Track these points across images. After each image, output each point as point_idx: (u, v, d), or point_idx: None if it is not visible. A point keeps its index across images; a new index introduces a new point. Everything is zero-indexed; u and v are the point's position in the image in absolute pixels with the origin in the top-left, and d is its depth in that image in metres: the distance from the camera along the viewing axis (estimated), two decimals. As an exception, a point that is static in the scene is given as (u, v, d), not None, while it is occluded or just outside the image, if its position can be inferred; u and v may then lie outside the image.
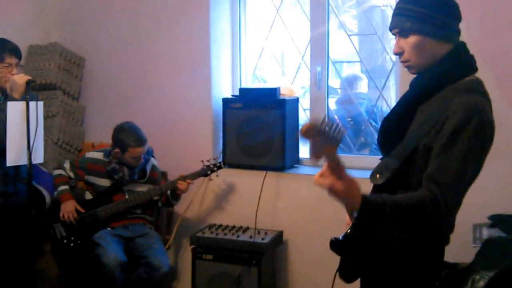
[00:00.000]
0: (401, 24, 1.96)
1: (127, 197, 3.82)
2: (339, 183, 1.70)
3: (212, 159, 3.88)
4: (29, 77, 3.24)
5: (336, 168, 1.69)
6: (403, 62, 2.01)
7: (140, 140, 3.74)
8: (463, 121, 1.81)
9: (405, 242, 1.94)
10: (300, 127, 1.60)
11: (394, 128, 2.03)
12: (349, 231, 1.98)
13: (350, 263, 2.07)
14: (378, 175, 1.95)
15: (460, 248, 2.10)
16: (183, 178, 3.77)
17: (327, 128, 1.56)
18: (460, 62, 1.96)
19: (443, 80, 1.95)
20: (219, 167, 3.85)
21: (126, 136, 3.73)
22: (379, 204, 1.77)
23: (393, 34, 2.04)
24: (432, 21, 1.91)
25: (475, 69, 2.00)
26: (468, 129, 1.80)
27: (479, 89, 1.93)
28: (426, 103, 1.97)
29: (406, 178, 1.93)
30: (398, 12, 1.98)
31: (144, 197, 3.81)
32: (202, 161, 3.86)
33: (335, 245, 1.97)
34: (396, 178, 1.92)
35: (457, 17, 1.98)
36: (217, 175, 3.88)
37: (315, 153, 1.64)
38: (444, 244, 2.01)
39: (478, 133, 1.82)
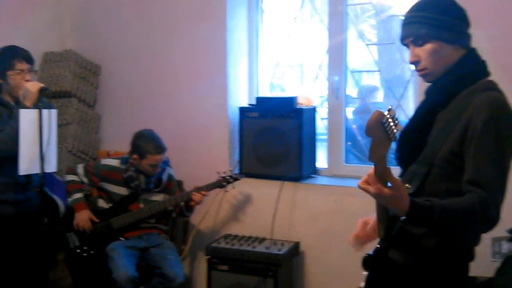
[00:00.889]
0: (415, 31, 1.95)
1: (142, 206, 3.79)
2: (386, 189, 1.68)
3: (228, 170, 3.83)
4: (42, 85, 3.19)
5: (384, 171, 1.67)
6: (419, 70, 2.00)
7: (160, 148, 3.71)
8: (490, 118, 1.80)
9: (432, 256, 1.92)
10: (367, 121, 1.58)
11: (414, 138, 2.01)
12: (378, 246, 1.95)
13: (377, 279, 2.03)
14: (407, 184, 1.92)
15: (478, 261, 2.07)
16: (198, 189, 3.73)
17: (390, 120, 1.55)
18: (475, 66, 1.97)
19: (459, 84, 1.94)
20: (235, 179, 3.80)
21: (146, 143, 3.70)
22: (427, 208, 1.74)
23: (404, 44, 2.02)
24: (446, 26, 1.92)
25: (488, 73, 2.00)
26: (496, 125, 1.80)
27: (495, 87, 1.94)
28: (444, 110, 1.96)
29: (434, 186, 1.90)
30: (410, 21, 1.97)
31: (158, 208, 3.77)
32: (218, 172, 3.81)
33: (367, 261, 1.94)
34: (424, 187, 1.90)
35: (468, 22, 2.00)
36: (233, 187, 3.83)
37: (375, 153, 1.61)
38: (470, 260, 1.98)
39: (507, 126, 1.82)
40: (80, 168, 3.86)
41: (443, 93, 1.97)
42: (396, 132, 1.57)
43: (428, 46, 1.94)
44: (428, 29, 1.92)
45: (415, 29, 1.95)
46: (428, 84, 2.07)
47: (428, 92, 2.06)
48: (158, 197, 3.85)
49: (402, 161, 2.06)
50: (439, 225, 1.76)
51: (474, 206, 1.74)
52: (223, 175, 3.80)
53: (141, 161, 3.70)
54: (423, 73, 2.00)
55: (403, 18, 2.03)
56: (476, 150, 1.80)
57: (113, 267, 3.52)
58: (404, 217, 1.76)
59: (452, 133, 1.86)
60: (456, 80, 1.94)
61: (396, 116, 1.58)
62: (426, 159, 1.91)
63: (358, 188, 1.77)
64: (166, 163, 3.93)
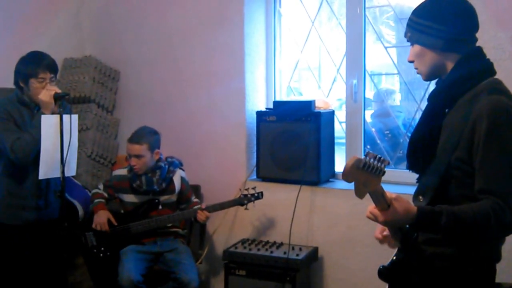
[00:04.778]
0: (405, 33, 2.02)
1: (161, 207, 3.78)
2: (386, 215, 1.75)
3: (251, 188, 3.78)
4: (55, 91, 3.20)
5: (382, 198, 1.73)
6: (416, 69, 2.05)
7: (132, 136, 3.74)
8: (491, 126, 1.79)
9: (455, 261, 1.89)
10: (342, 171, 1.65)
11: (422, 145, 2.01)
12: (394, 258, 1.95)
13: None
14: (420, 197, 1.92)
15: (504, 267, 2.02)
16: (203, 209, 3.69)
17: (372, 160, 1.60)
18: (472, 70, 1.94)
19: (460, 87, 1.94)
20: (257, 198, 3.75)
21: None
22: (435, 213, 1.77)
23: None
24: (431, 32, 1.93)
25: (492, 73, 1.97)
26: (498, 131, 1.80)
27: (498, 88, 1.91)
28: (448, 115, 1.95)
29: (448, 194, 1.89)
30: (407, 22, 2.03)
31: (168, 221, 3.75)
32: (240, 189, 3.77)
33: (383, 273, 1.95)
34: (438, 196, 1.88)
35: (466, 26, 1.97)
36: (253, 206, 3.78)
37: (361, 191, 1.66)
38: (496, 261, 1.95)
39: (510, 130, 1.81)
40: (100, 185, 3.94)
41: (443, 98, 1.98)
42: (384, 167, 1.62)
43: (415, 49, 2.00)
44: (412, 33, 2.00)
45: (406, 31, 2.03)
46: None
47: (431, 98, 2.06)
48: (170, 198, 3.85)
49: (414, 169, 2.07)
50: (449, 230, 1.77)
51: (487, 210, 1.74)
52: (245, 193, 3.76)
53: None
54: (417, 72, 2.06)
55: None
56: (483, 160, 1.80)
57: (119, 271, 3.54)
58: (410, 225, 1.79)
59: (460, 141, 1.86)
60: (452, 85, 1.95)
61: (377, 155, 1.64)
62: (436, 170, 1.90)
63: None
64: (176, 165, 3.91)
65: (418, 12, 1.99)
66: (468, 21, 1.97)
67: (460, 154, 1.85)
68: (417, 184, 2.02)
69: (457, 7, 1.96)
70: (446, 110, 1.97)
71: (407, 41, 2.04)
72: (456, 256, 1.89)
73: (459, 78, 1.93)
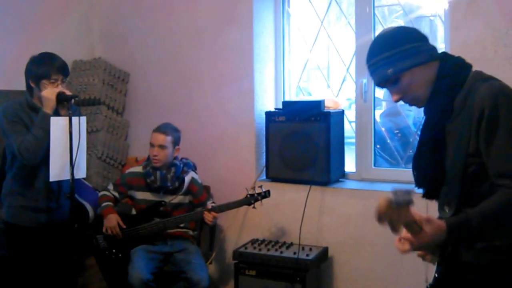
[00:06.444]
0: (384, 75, 1.96)
1: (169, 209, 3.78)
2: (420, 238, 1.74)
3: (257, 187, 3.77)
4: (59, 90, 3.18)
5: (415, 224, 1.72)
6: (409, 103, 2.00)
7: (159, 127, 3.81)
8: (493, 107, 1.79)
9: (505, 252, 1.86)
10: (376, 213, 1.65)
11: (430, 159, 1.99)
12: (436, 275, 1.96)
13: None
14: (446, 207, 1.91)
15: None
16: (209, 210, 3.67)
17: (401, 198, 1.61)
18: (455, 66, 1.95)
19: (451, 90, 1.93)
20: (264, 196, 3.73)
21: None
22: (464, 221, 1.76)
23: (382, 87, 2.03)
24: (409, 53, 1.92)
25: (470, 65, 1.99)
26: (500, 110, 1.79)
27: (487, 76, 1.93)
28: (450, 122, 1.93)
29: (473, 196, 1.86)
30: (374, 69, 1.99)
31: (174, 223, 3.74)
32: (247, 189, 3.76)
33: None
34: (463, 202, 1.87)
35: (423, 38, 1.98)
36: (261, 205, 3.76)
37: (397, 227, 1.69)
38: None
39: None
40: (110, 185, 3.94)
41: (442, 107, 1.95)
42: (412, 196, 1.62)
43: (404, 80, 1.94)
44: (393, 67, 1.93)
45: (383, 73, 1.95)
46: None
47: (427, 111, 2.03)
48: (183, 199, 3.85)
49: (423, 184, 2.04)
50: (482, 230, 1.76)
51: (508, 198, 1.75)
52: (252, 192, 3.74)
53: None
54: (413, 103, 2.01)
55: (367, 67, 2.02)
56: (490, 144, 1.80)
57: (129, 270, 3.55)
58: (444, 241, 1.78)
59: (470, 137, 1.84)
60: (446, 87, 1.93)
61: (404, 189, 1.63)
62: (455, 177, 1.88)
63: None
64: (190, 166, 3.92)
65: (385, 47, 1.94)
66: (421, 35, 1.99)
67: (473, 149, 1.83)
68: (423, 194, 2.02)
69: (404, 28, 2.02)
70: (447, 122, 1.95)
71: (389, 79, 1.95)
72: (505, 247, 1.86)
73: (448, 81, 1.93)
